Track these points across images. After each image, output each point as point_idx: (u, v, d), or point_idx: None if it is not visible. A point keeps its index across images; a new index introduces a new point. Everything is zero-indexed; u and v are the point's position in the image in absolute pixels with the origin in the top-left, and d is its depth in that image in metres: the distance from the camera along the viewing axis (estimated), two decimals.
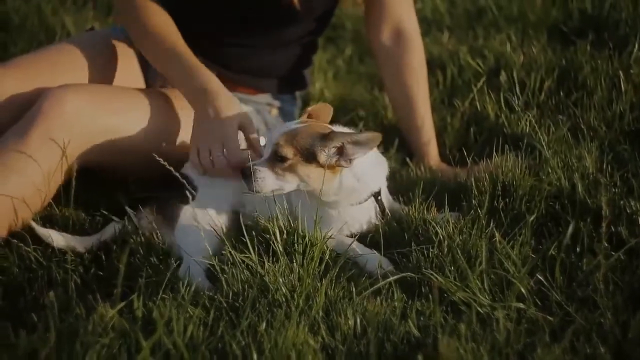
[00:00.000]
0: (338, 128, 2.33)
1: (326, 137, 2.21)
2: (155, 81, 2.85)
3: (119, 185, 2.62)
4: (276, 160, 2.22)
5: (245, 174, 2.23)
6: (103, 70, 2.73)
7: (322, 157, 2.22)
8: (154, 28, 2.56)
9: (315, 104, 3.05)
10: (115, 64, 2.77)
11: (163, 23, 2.58)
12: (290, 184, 2.24)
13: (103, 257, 2.33)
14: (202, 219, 2.30)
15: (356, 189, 2.29)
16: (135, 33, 2.62)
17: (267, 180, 2.22)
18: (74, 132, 2.40)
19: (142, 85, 2.84)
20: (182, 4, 2.70)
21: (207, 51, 2.77)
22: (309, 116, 2.35)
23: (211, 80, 2.45)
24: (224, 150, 2.37)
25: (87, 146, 2.44)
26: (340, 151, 2.22)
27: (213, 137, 2.39)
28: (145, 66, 2.86)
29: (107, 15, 4.13)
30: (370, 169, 2.31)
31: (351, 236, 2.34)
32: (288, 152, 2.21)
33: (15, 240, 2.34)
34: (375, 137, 2.20)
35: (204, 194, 2.38)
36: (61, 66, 2.63)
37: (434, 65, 3.33)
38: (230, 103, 2.41)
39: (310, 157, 2.21)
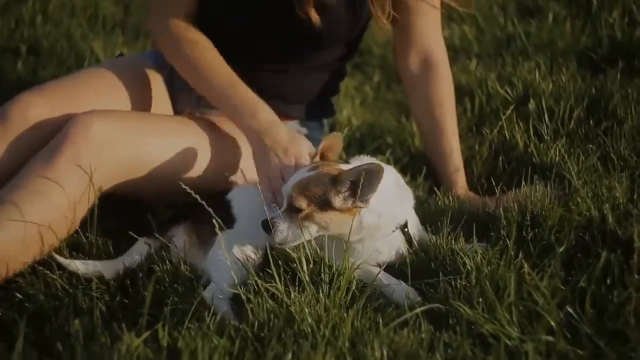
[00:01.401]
0: (351, 163, 2.30)
1: (335, 181, 2.20)
2: (183, 107, 2.86)
3: (145, 209, 2.62)
4: (292, 211, 2.21)
5: (265, 227, 2.23)
6: (131, 96, 2.74)
7: (337, 202, 2.21)
8: (207, 65, 2.58)
9: (342, 131, 3.06)
10: (143, 90, 2.78)
11: (215, 58, 2.60)
12: (311, 232, 2.23)
13: (129, 284, 2.33)
14: (237, 249, 2.30)
15: (379, 225, 2.28)
16: (186, 70, 2.63)
17: (287, 232, 2.22)
18: (100, 157, 2.40)
19: (170, 111, 2.84)
20: (212, 30, 2.71)
21: (240, 77, 2.77)
22: (322, 155, 2.34)
23: (271, 113, 2.49)
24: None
25: (114, 171, 2.44)
26: (353, 190, 2.20)
27: (285, 158, 2.41)
28: (173, 92, 2.86)
29: (135, 40, 4.15)
30: (391, 203, 2.28)
31: (378, 266, 2.32)
32: (302, 203, 2.20)
33: (42, 268, 2.34)
34: (377, 169, 2.17)
35: (242, 224, 2.36)
36: (89, 92, 2.64)
37: (462, 93, 3.32)
38: (293, 133, 2.45)
39: (325, 204, 2.21)
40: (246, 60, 2.74)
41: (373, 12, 2.66)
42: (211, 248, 2.34)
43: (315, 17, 2.59)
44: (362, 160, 2.36)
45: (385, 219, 2.29)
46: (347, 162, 2.35)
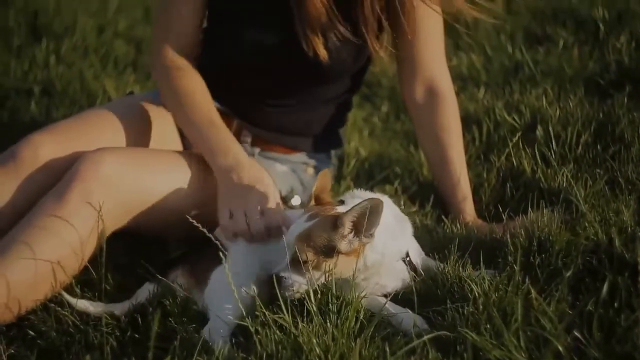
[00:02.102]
0: (346, 202, 2.31)
1: (336, 225, 2.20)
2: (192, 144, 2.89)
3: (155, 244, 2.64)
4: (298, 263, 2.20)
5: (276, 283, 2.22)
6: (140, 134, 2.77)
7: (343, 246, 2.21)
8: (187, 93, 2.62)
9: (350, 162, 3.08)
10: (153, 127, 2.81)
11: (197, 88, 2.63)
12: (319, 278, 2.23)
13: (139, 319, 2.34)
14: (233, 282, 2.31)
15: (382, 262, 2.28)
16: (167, 95, 2.69)
17: (296, 284, 2.21)
18: (110, 194, 2.43)
19: (180, 147, 2.87)
20: (220, 63, 2.74)
21: (245, 111, 2.81)
22: (317, 199, 2.34)
23: (243, 154, 2.52)
24: (261, 212, 2.39)
25: (125, 208, 2.47)
26: (356, 228, 2.20)
27: (250, 197, 2.41)
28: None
29: (147, 79, 4.20)
30: (392, 237, 2.29)
31: (385, 296, 2.33)
32: (308, 255, 2.20)
33: (53, 305, 2.37)
34: (376, 204, 2.17)
35: (234, 257, 2.37)
36: (98, 130, 2.68)
37: (469, 121, 3.33)
38: (264, 172, 2.47)
39: (331, 250, 2.20)
40: (251, 95, 2.77)
41: (370, 46, 2.68)
42: (207, 287, 2.36)
43: (323, 53, 2.62)
44: (356, 195, 2.37)
45: (388, 254, 2.29)
46: (341, 201, 2.35)
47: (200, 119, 2.59)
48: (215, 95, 2.75)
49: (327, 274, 2.22)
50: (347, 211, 2.20)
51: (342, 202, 2.33)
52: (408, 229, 2.40)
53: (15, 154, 2.55)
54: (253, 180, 2.47)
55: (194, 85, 2.66)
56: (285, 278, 2.21)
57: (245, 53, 2.70)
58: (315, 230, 2.21)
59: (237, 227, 2.41)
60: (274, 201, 2.44)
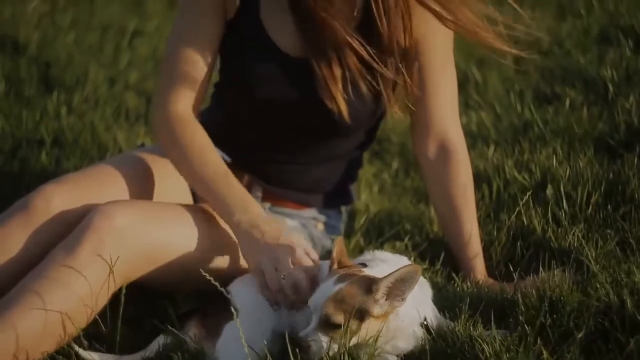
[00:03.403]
0: (369, 264, 2.30)
1: (372, 290, 2.18)
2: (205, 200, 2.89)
3: (165, 297, 2.64)
4: (327, 327, 2.18)
5: (301, 346, 2.20)
6: (151, 186, 2.78)
7: (376, 310, 2.19)
8: (196, 148, 2.61)
9: (360, 218, 3.08)
10: (164, 180, 2.81)
11: (205, 143, 2.63)
12: (349, 341, 2.19)
13: None
14: (245, 337, 2.29)
15: (403, 327, 2.27)
16: (172, 150, 2.67)
17: (323, 348, 2.19)
18: (123, 247, 2.43)
19: (190, 199, 2.88)
20: (231, 117, 2.75)
21: (255, 166, 2.81)
22: (339, 263, 2.31)
23: (261, 209, 2.51)
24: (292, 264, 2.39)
25: (136, 261, 2.47)
26: (389, 293, 2.19)
27: (279, 251, 2.41)
28: None
29: None
30: (414, 302, 2.27)
31: (397, 356, 2.31)
32: (339, 318, 2.17)
33: (61, 357, 2.35)
34: (415, 270, 2.18)
35: (245, 314, 2.36)
36: (110, 182, 2.68)
37: (479, 179, 3.33)
38: (285, 224, 2.48)
39: (363, 314, 2.18)
40: (262, 151, 2.78)
41: (386, 101, 2.69)
42: (219, 339, 2.35)
43: (345, 109, 2.63)
44: (376, 257, 2.37)
45: (409, 320, 2.28)
46: (363, 264, 2.33)
47: (214, 175, 2.58)
48: (225, 148, 2.77)
49: (353, 337, 2.19)
50: (385, 276, 2.18)
51: (364, 265, 2.32)
52: (428, 293, 2.39)
53: (28, 204, 2.56)
54: (277, 233, 2.45)
55: (202, 140, 2.64)
56: (312, 342, 2.18)
57: (259, 110, 2.71)
58: (349, 292, 2.18)
59: (273, 286, 2.39)
60: (301, 250, 2.43)
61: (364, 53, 2.59)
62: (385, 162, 3.81)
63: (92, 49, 5.42)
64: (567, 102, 4.00)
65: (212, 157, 2.61)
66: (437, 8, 2.56)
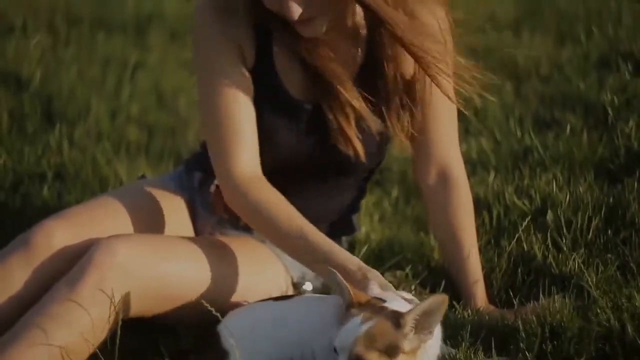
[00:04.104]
0: (388, 300, 2.27)
1: (400, 325, 2.15)
2: (203, 228, 2.90)
3: (165, 329, 2.64)
4: None
5: None
6: (152, 219, 2.79)
7: (407, 345, 2.15)
8: (276, 208, 2.57)
9: (361, 248, 3.08)
10: (165, 213, 2.82)
11: (280, 198, 2.59)
12: None
13: None
14: None
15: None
16: (251, 214, 2.61)
17: None
18: (124, 282, 2.43)
19: (191, 232, 2.88)
20: None
21: None
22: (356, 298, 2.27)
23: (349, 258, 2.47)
24: None
25: (138, 295, 2.47)
26: (418, 327, 2.16)
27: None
28: (193, 213, 2.91)
29: (159, 163, 4.23)
30: (437, 335, 2.27)
31: None
32: (372, 356, 2.13)
33: None
34: (442, 300, 2.15)
35: (243, 347, 2.35)
36: (111, 216, 2.69)
37: (480, 206, 3.34)
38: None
39: (394, 351, 2.14)
40: (275, 185, 2.76)
41: (392, 131, 2.71)
42: None
43: (361, 149, 2.65)
44: (390, 294, 2.33)
45: (433, 352, 2.27)
46: (381, 299, 2.28)
47: (303, 227, 2.53)
48: None
49: None
50: (412, 309, 2.15)
51: (383, 301, 2.26)
52: (439, 331, 2.37)
53: (28, 240, 2.56)
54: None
55: (276, 195, 2.59)
56: None
57: (269, 153, 2.69)
58: (379, 329, 2.14)
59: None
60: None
61: (367, 99, 2.61)
62: (386, 191, 3.81)
63: (94, 82, 5.45)
64: (567, 128, 4.00)
65: (293, 210, 2.57)
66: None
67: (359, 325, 2.16)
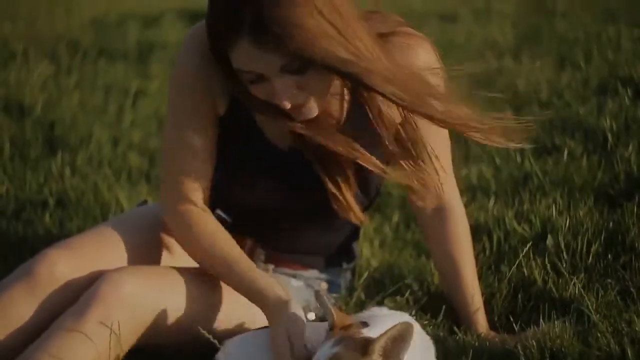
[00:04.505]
0: (370, 324, 2.26)
1: (368, 352, 2.12)
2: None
3: (166, 358, 2.64)
4: None
5: None
6: (155, 249, 2.79)
7: None
8: (222, 250, 2.58)
9: (362, 273, 3.08)
10: (166, 240, 2.82)
11: (219, 228, 2.61)
12: None
13: None
14: None
15: None
16: (199, 255, 2.62)
17: None
18: (130, 316, 2.44)
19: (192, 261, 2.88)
20: (233, 185, 2.74)
21: (257, 234, 2.81)
22: (340, 321, 2.25)
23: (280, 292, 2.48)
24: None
25: (142, 329, 2.48)
26: (385, 353, 2.13)
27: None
28: None
29: (159, 189, 4.23)
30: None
31: None
32: None
33: None
34: (407, 328, 2.12)
35: None
36: (113, 247, 2.69)
37: (480, 231, 3.35)
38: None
39: None
40: (265, 220, 2.76)
41: (387, 176, 2.67)
42: None
43: (359, 209, 2.63)
44: (374, 312, 2.35)
45: None
46: (364, 323, 2.28)
47: (240, 268, 2.54)
48: (226, 209, 2.77)
49: None
50: (377, 337, 2.12)
51: (365, 324, 2.27)
52: (431, 349, 2.36)
53: (31, 270, 2.55)
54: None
55: (216, 226, 2.61)
56: None
57: (261, 199, 2.70)
58: (344, 355, 2.13)
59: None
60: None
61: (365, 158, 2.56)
62: (386, 216, 3.82)
63: (96, 109, 5.48)
64: (566, 153, 4.02)
65: (237, 253, 2.58)
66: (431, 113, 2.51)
67: (328, 350, 2.16)
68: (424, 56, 2.62)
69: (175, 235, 2.71)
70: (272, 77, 2.40)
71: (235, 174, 2.69)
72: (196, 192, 2.61)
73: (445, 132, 2.78)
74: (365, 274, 3.15)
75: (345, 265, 2.97)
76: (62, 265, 2.57)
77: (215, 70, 2.55)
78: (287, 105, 2.43)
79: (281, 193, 2.69)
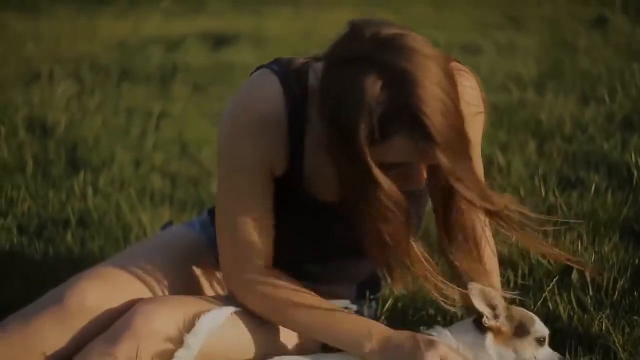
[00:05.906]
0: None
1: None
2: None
3: None
4: None
5: None
6: (184, 276, 2.78)
7: None
8: (301, 303, 2.56)
9: (386, 303, 3.06)
10: (194, 266, 2.82)
11: (305, 293, 2.58)
12: None
13: None
14: None
15: None
16: (267, 309, 2.59)
17: None
18: (160, 349, 2.43)
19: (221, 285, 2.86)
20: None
21: (287, 267, 2.78)
22: None
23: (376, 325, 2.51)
24: None
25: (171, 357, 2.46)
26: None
27: (438, 348, 2.41)
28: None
29: (182, 212, 4.25)
30: None
31: None
32: None
33: None
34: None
35: None
36: (143, 276, 2.68)
37: (505, 264, 3.32)
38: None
39: None
40: (297, 257, 2.72)
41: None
42: None
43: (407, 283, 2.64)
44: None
45: None
46: None
47: (321, 313, 2.55)
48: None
49: None
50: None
51: None
52: None
53: (62, 299, 2.55)
54: (407, 334, 2.45)
55: (294, 286, 2.59)
56: None
57: (303, 228, 2.67)
58: None
59: None
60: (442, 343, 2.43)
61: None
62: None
63: (119, 130, 5.51)
64: (592, 187, 3.99)
65: (315, 300, 2.57)
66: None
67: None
68: (470, 93, 2.55)
69: (256, 310, 2.60)
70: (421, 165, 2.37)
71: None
72: (260, 260, 2.56)
73: (480, 162, 2.78)
74: (389, 302, 3.13)
75: (370, 295, 2.95)
76: (92, 295, 2.56)
77: (272, 134, 2.49)
78: (423, 182, 2.41)
79: (320, 240, 2.66)
